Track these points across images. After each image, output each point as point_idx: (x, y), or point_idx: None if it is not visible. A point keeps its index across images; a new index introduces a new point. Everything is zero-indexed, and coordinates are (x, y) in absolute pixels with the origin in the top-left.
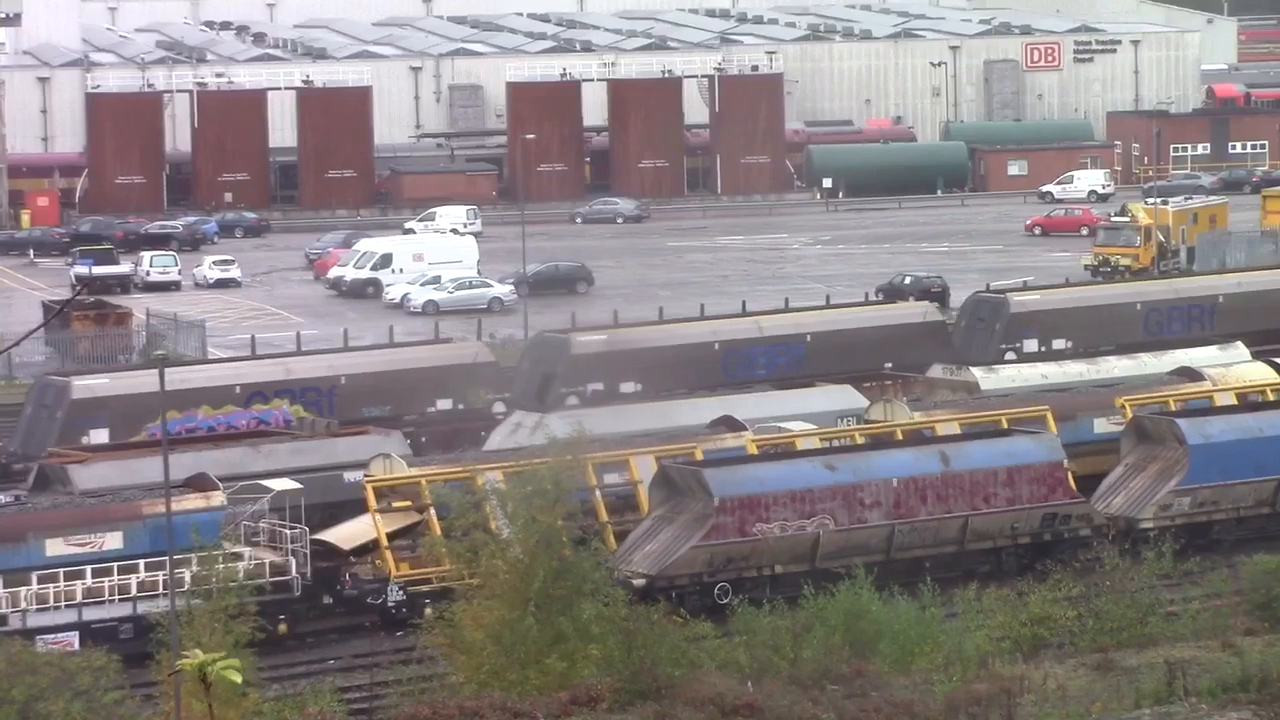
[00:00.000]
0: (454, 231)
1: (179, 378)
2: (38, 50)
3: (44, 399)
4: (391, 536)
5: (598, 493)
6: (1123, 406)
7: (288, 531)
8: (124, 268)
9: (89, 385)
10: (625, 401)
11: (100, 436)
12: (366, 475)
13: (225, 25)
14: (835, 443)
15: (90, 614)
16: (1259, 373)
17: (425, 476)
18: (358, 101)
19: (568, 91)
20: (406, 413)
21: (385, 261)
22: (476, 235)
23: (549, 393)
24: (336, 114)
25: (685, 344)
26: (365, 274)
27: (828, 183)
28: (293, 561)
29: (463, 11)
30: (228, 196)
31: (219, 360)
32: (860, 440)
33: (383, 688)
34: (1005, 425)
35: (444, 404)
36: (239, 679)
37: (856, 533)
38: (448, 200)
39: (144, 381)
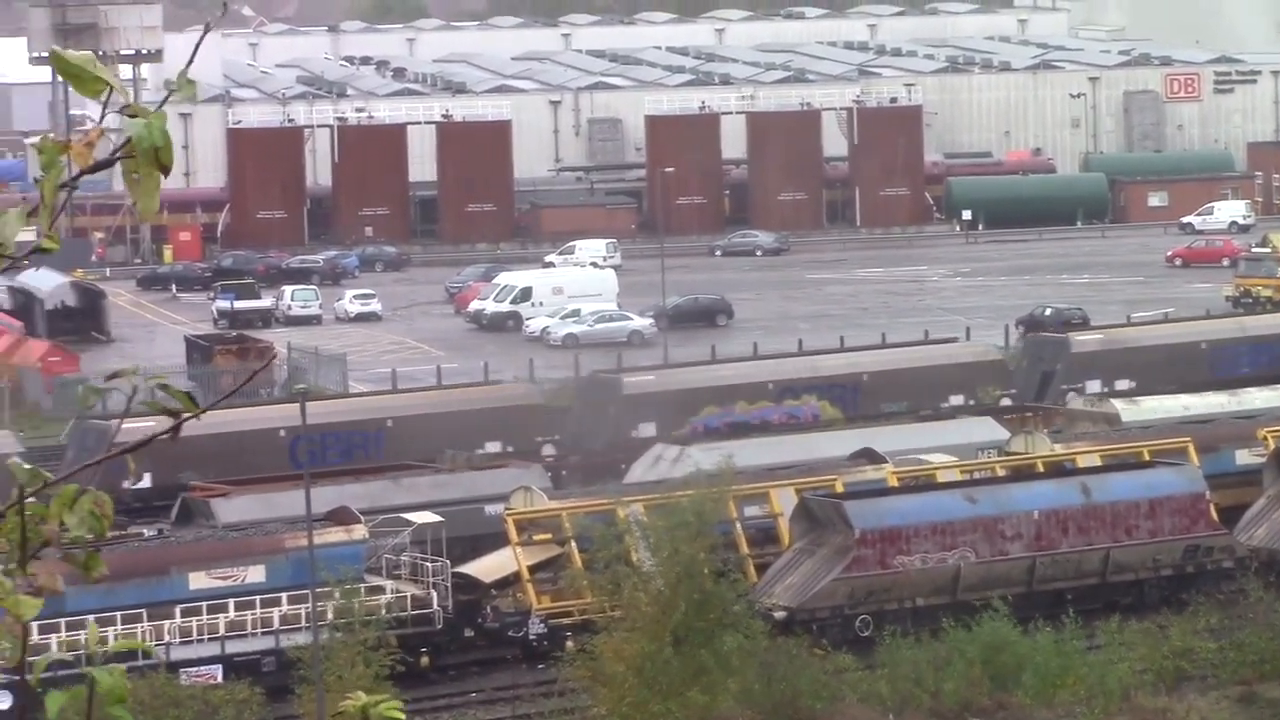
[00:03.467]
0: (593, 265)
1: (716, 375)
2: (166, 94)
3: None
4: (533, 569)
5: (738, 525)
6: (1265, 438)
7: (429, 564)
8: (265, 302)
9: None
10: (765, 434)
11: (145, 481)
12: (508, 508)
13: (365, 60)
14: (976, 475)
15: (233, 647)
16: None
17: (566, 509)
18: (497, 135)
19: (707, 124)
20: (923, 407)
21: (525, 295)
22: (616, 268)
23: (1048, 390)
24: (476, 148)
25: (1174, 343)
26: (505, 307)
27: (967, 215)
28: (434, 594)
29: (602, 45)
30: (368, 230)
31: (752, 358)
32: (1001, 472)
33: None
34: (1147, 457)
35: (956, 399)
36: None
37: (998, 565)
38: (587, 233)
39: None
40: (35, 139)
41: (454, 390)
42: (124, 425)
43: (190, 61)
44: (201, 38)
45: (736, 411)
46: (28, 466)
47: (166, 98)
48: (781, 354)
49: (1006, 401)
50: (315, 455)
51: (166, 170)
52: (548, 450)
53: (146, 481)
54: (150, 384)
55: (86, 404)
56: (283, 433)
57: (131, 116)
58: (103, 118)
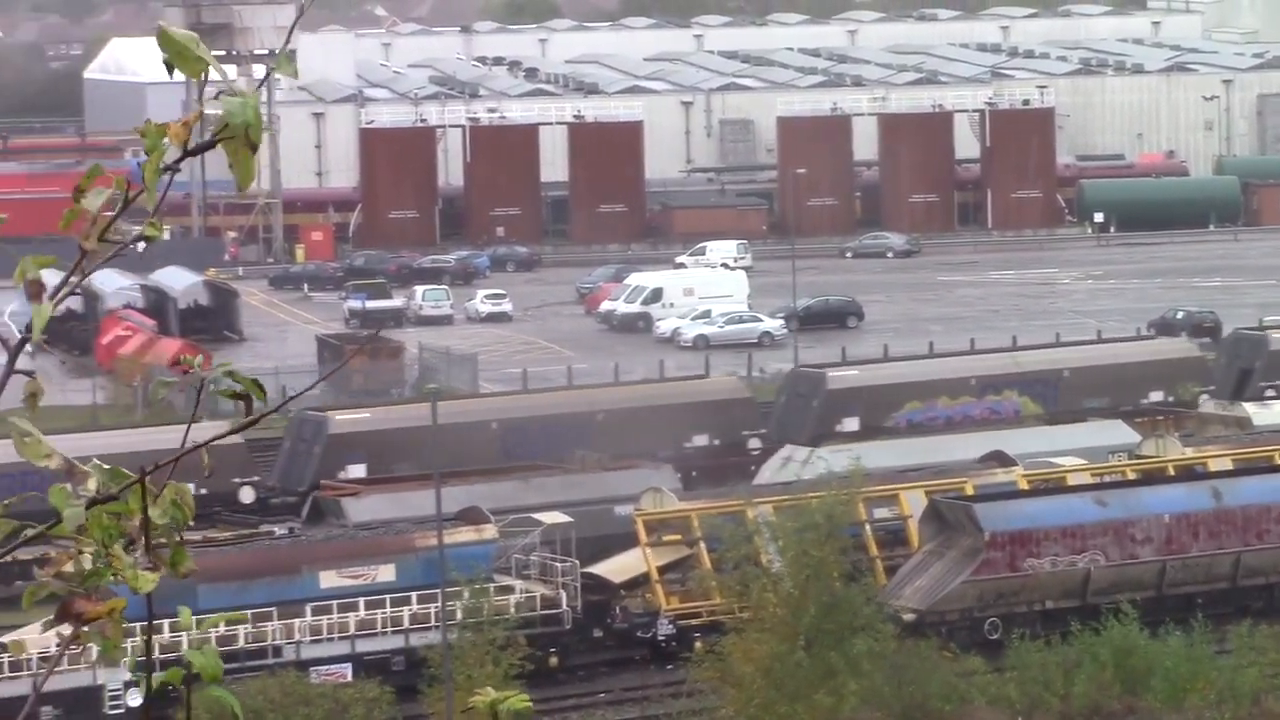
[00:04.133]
0: (724, 266)
1: (920, 370)
2: (313, 86)
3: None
4: (662, 570)
5: (868, 527)
6: None
7: (559, 565)
8: (397, 302)
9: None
10: (895, 436)
11: (357, 471)
12: (637, 509)
13: (498, 61)
14: (1106, 478)
15: (363, 646)
16: None
17: (696, 510)
18: (629, 136)
19: (838, 126)
20: (1124, 404)
21: (656, 296)
22: (747, 269)
23: (1246, 387)
24: (608, 149)
25: None
26: (636, 308)
27: (1099, 217)
28: (563, 595)
29: (734, 46)
30: (500, 231)
31: (953, 354)
32: (1131, 475)
33: None
34: (1279, 461)
35: (1156, 395)
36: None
37: (1128, 568)
38: (718, 235)
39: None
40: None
41: (663, 384)
42: (339, 418)
43: (287, 40)
44: (295, 21)
45: (939, 406)
46: (107, 467)
47: (268, 75)
48: (984, 350)
49: (1206, 399)
50: (525, 447)
51: (254, 148)
52: (754, 444)
53: (361, 471)
54: (218, 372)
55: (158, 396)
56: (495, 425)
57: (226, 97)
58: (201, 99)
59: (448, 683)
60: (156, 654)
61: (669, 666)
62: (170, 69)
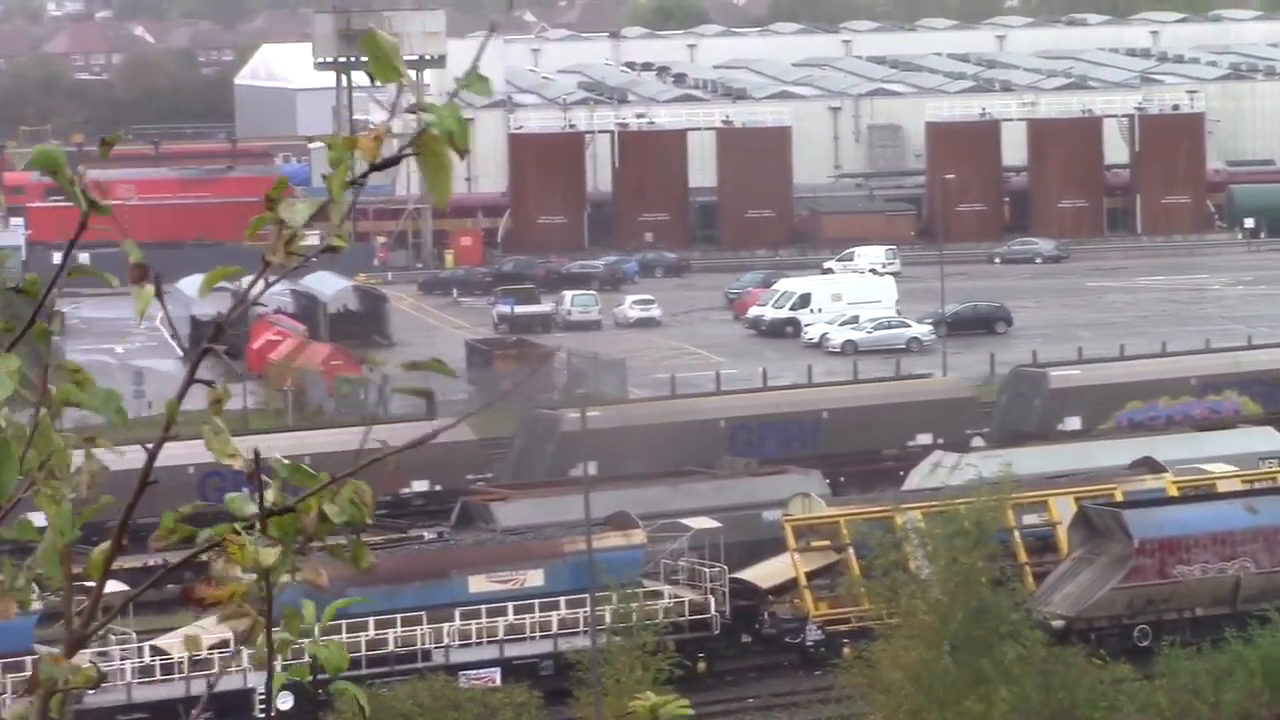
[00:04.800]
0: (872, 271)
1: (1140, 370)
2: (462, 93)
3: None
4: (810, 575)
5: (1017, 534)
6: None
7: (707, 570)
8: (545, 307)
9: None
10: (1041, 442)
11: (590, 469)
12: (785, 514)
13: (646, 66)
14: (1257, 484)
15: (512, 650)
16: None
17: (844, 516)
18: (777, 141)
19: (987, 131)
20: None
21: (804, 301)
22: (895, 275)
23: None
24: (756, 154)
25: None
26: (784, 313)
27: (1249, 223)
28: (712, 600)
29: (882, 51)
30: (648, 236)
31: (1175, 354)
32: None
33: None
34: None
35: None
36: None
37: (1278, 576)
38: (866, 240)
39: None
40: (319, 143)
41: (887, 384)
42: (570, 415)
43: (478, 58)
44: (486, 39)
45: (1159, 406)
46: (287, 461)
47: (457, 90)
48: (1204, 350)
49: None
50: (753, 445)
51: (462, 154)
52: (977, 443)
53: (593, 469)
54: (397, 366)
55: (342, 394)
56: (722, 424)
57: (418, 111)
58: (393, 111)
59: (596, 687)
60: (271, 650)
61: (817, 672)
62: (371, 77)
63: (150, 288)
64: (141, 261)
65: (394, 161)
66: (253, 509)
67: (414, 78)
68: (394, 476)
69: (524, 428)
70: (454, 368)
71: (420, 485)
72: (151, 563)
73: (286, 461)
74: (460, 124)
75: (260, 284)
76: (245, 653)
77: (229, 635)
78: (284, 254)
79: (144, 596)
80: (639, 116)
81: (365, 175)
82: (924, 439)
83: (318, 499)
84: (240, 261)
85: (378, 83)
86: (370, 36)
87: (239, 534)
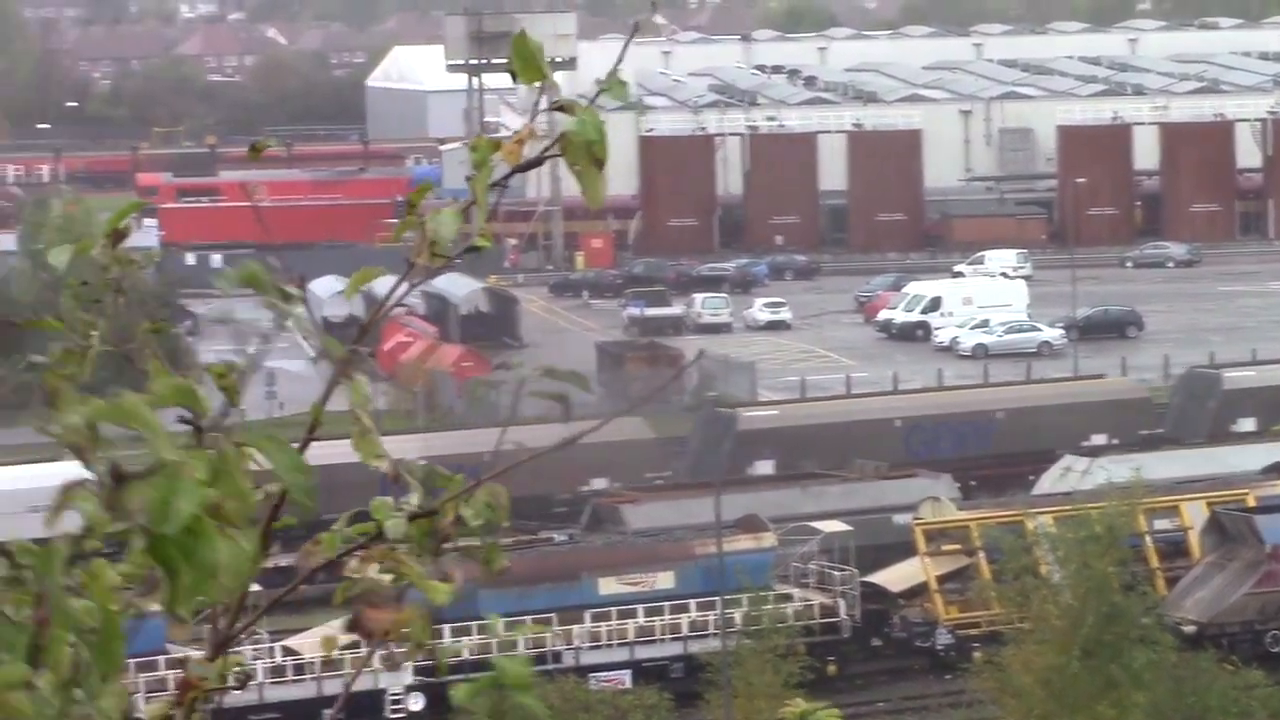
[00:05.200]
0: (1003, 275)
1: None
2: (592, 94)
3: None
4: (941, 579)
5: (1148, 539)
6: None
7: (837, 573)
8: (676, 309)
9: (756, 417)
10: (1172, 447)
11: (765, 468)
12: (916, 518)
13: (777, 69)
14: None
15: (642, 652)
16: None
17: (975, 520)
18: (907, 144)
19: (1118, 135)
20: None
21: (934, 304)
22: (1026, 279)
23: None
24: (886, 157)
25: None
26: (914, 317)
27: None
28: (842, 603)
29: (1013, 55)
30: (778, 239)
31: None
32: None
33: None
34: None
35: None
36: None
37: None
38: (997, 244)
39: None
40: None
41: (1062, 384)
42: (747, 414)
43: (618, 64)
44: (628, 41)
45: None
46: (423, 463)
47: (597, 94)
48: None
49: None
50: (928, 445)
51: (601, 164)
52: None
53: (769, 468)
54: (536, 372)
55: (477, 394)
56: (898, 423)
57: (558, 111)
58: (535, 114)
59: (726, 690)
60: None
61: (947, 676)
62: (513, 75)
63: (363, 379)
64: (347, 354)
65: (535, 164)
66: (397, 515)
67: (557, 81)
68: (573, 475)
69: (700, 426)
70: (587, 376)
71: (599, 483)
72: (283, 563)
73: (423, 463)
74: (600, 133)
75: (404, 286)
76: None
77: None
78: (429, 257)
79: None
80: (769, 119)
81: (507, 178)
82: (1098, 439)
83: (455, 502)
84: (371, 262)
85: (520, 83)
86: (519, 38)
87: (394, 549)
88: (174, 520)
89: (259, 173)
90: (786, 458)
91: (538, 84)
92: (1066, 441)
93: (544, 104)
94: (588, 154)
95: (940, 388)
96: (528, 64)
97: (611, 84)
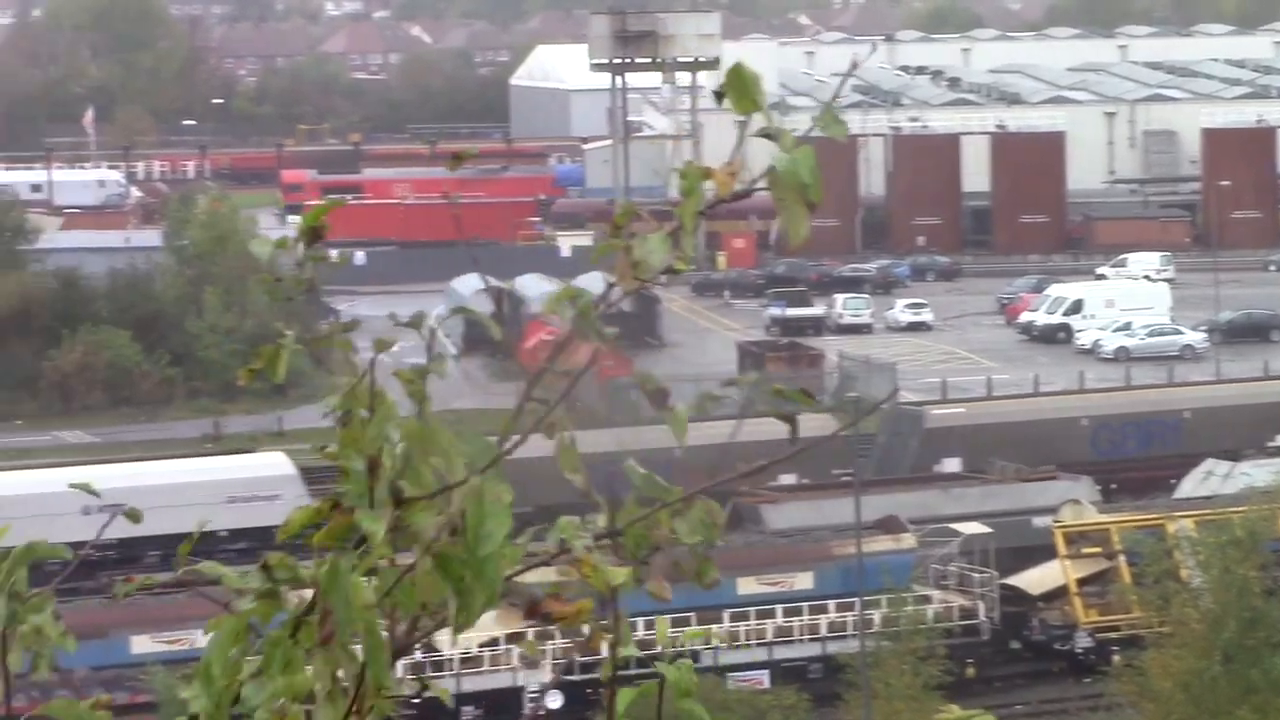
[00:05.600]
0: (1146, 278)
1: None
2: (806, 129)
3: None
4: (1081, 582)
5: None
6: None
7: (976, 575)
8: (817, 310)
9: (944, 415)
10: None
11: (952, 466)
12: (1056, 520)
13: (920, 70)
14: None
15: (780, 653)
16: None
17: (1115, 523)
18: (1051, 147)
19: (1264, 138)
20: None
21: (1076, 307)
22: (1169, 282)
23: None
24: (1029, 159)
25: None
26: (1056, 319)
27: None
28: (981, 605)
29: (1158, 57)
30: (920, 240)
31: None
32: None
33: None
34: None
35: None
36: None
37: None
38: (1140, 246)
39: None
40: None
41: (1252, 383)
42: (935, 412)
43: (834, 98)
44: (845, 77)
45: None
46: (643, 471)
47: (810, 129)
48: None
49: None
50: (1114, 444)
51: (811, 208)
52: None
53: (956, 465)
54: (765, 389)
55: (702, 410)
56: (1085, 421)
57: (764, 138)
58: (740, 144)
59: (865, 691)
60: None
61: (1087, 680)
62: (719, 97)
63: (682, 407)
64: (662, 388)
65: (743, 196)
66: (583, 535)
67: (775, 115)
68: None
69: (887, 424)
70: (815, 395)
71: (787, 479)
72: None
73: (642, 470)
74: (814, 175)
75: (604, 302)
76: (515, 651)
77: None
78: (631, 280)
79: None
80: (912, 120)
81: (714, 206)
82: None
83: (667, 514)
84: (511, 261)
85: (731, 109)
86: (736, 68)
87: (588, 551)
88: (488, 543)
89: (402, 171)
90: (973, 456)
91: (753, 114)
92: (1253, 441)
93: (750, 132)
94: (798, 194)
95: (1127, 387)
96: (743, 96)
97: (827, 119)
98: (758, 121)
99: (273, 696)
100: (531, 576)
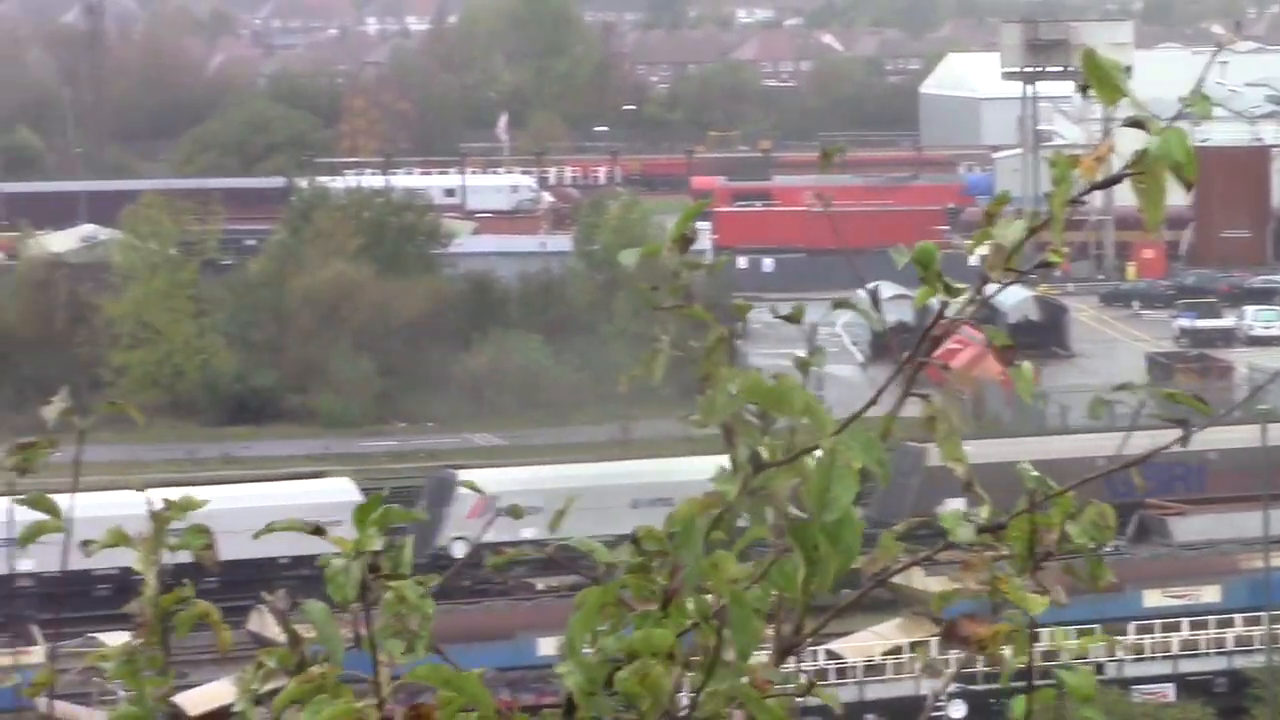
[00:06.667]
0: None
1: None
2: (1146, 104)
3: None
4: None
5: None
6: None
7: None
8: (1227, 321)
9: None
10: None
11: None
12: None
13: None
14: None
15: (1185, 666)
16: None
17: None
18: None
19: None
20: None
21: None
22: None
23: None
24: None
25: None
26: None
27: None
28: None
29: None
30: None
31: None
32: None
33: None
34: None
35: None
36: None
37: None
38: None
39: None
40: (1003, 153)
41: None
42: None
43: (1201, 81)
44: (1211, 58)
45: None
46: (1035, 474)
47: (1179, 113)
48: None
49: None
50: None
51: (1189, 186)
52: None
53: None
54: (1157, 395)
55: (1095, 415)
56: None
57: (1134, 127)
58: (1107, 132)
59: (1272, 706)
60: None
61: None
62: (1084, 90)
63: (1028, 365)
64: (1009, 343)
65: (1113, 182)
66: (967, 525)
67: (1139, 98)
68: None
69: None
70: (1209, 402)
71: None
72: None
73: (1034, 472)
74: (1189, 155)
75: (973, 297)
76: (916, 661)
77: (902, 641)
78: (1002, 270)
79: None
80: None
81: (1085, 194)
82: None
83: (1060, 515)
84: (910, 269)
85: (1093, 99)
86: (1088, 55)
87: (992, 563)
88: (833, 509)
89: (813, 178)
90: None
91: (1117, 102)
92: None
93: (1118, 120)
94: (1175, 174)
95: None
96: (1105, 82)
97: (1196, 99)
98: (1124, 110)
99: (630, 651)
100: (932, 584)
